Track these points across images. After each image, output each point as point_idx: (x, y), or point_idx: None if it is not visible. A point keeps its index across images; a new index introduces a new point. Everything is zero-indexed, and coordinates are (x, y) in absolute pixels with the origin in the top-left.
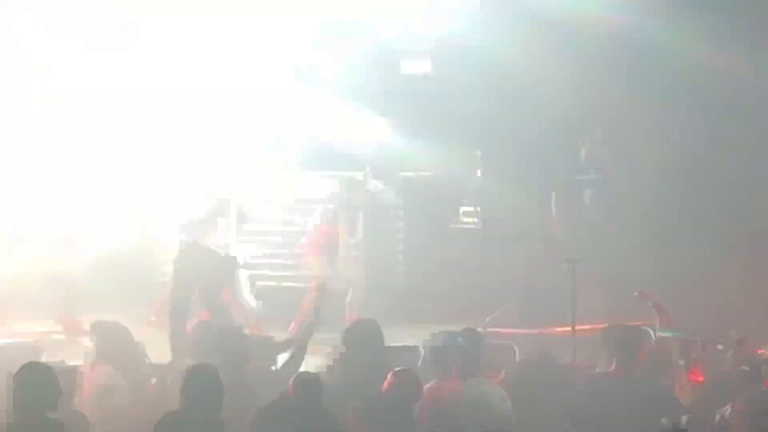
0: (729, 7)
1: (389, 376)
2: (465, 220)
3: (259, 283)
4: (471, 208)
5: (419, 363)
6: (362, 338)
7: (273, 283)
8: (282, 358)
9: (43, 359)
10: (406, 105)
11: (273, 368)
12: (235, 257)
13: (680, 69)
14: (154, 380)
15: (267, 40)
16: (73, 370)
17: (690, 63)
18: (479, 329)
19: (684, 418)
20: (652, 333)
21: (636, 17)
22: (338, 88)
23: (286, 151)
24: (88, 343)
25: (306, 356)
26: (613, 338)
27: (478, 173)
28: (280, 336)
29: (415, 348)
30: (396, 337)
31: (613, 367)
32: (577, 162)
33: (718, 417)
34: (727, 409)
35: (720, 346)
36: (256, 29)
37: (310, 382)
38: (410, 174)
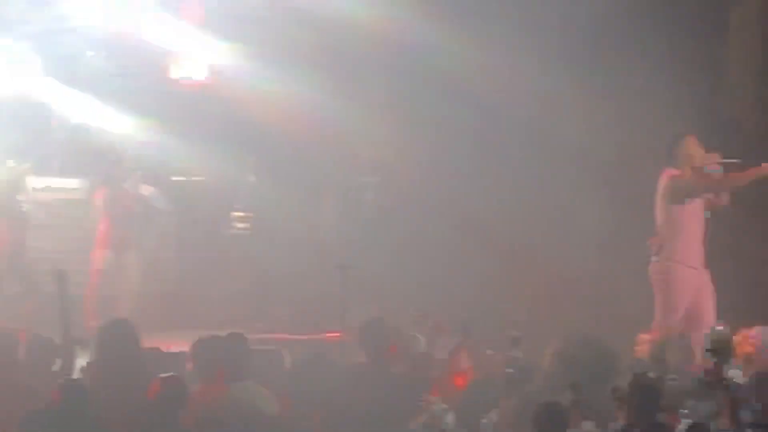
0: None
1: (154, 382)
2: (237, 225)
3: None
4: (243, 214)
5: (186, 368)
6: (115, 339)
7: None
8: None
9: None
10: (178, 108)
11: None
12: None
13: (452, 69)
14: None
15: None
16: None
17: (461, 63)
18: (246, 334)
19: None
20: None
21: (409, 19)
22: (108, 89)
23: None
24: None
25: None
26: (366, 332)
27: (251, 178)
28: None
29: (183, 353)
30: (166, 342)
31: (366, 359)
32: (355, 164)
33: (484, 421)
34: (494, 413)
35: (489, 351)
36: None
37: (74, 388)
38: (182, 178)
